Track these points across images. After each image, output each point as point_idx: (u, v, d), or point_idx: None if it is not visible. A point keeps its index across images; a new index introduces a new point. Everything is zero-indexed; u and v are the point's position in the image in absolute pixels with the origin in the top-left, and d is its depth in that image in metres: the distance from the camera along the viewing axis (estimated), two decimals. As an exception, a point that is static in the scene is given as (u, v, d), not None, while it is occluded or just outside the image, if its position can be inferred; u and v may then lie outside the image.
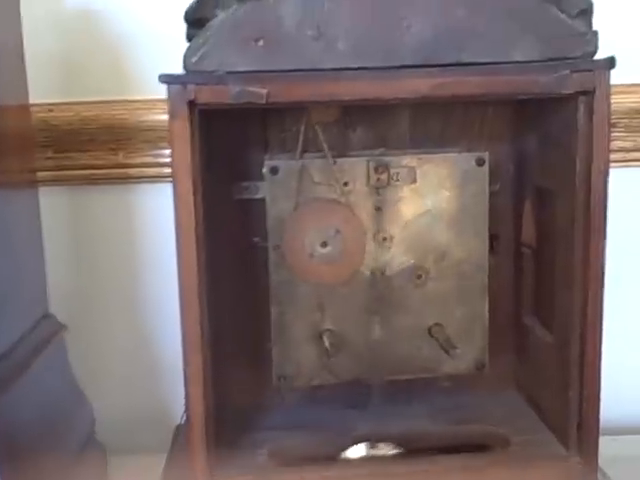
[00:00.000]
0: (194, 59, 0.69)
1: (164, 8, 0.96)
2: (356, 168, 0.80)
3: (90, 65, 1.00)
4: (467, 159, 0.81)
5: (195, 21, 0.71)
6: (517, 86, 0.69)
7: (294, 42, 0.69)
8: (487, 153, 0.81)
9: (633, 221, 1.04)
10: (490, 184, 0.83)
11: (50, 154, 1.00)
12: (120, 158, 1.01)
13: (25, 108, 0.89)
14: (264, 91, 0.69)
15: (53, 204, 1.00)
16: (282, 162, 0.81)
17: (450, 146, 0.84)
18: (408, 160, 0.80)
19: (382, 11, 0.69)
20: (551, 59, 0.69)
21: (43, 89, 0.97)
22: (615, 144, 0.97)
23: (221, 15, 0.70)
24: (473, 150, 0.83)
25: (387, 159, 0.80)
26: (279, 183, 0.80)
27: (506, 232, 0.87)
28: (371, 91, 0.69)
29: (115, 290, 1.03)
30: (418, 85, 0.69)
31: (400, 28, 0.69)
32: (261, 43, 0.69)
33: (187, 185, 0.70)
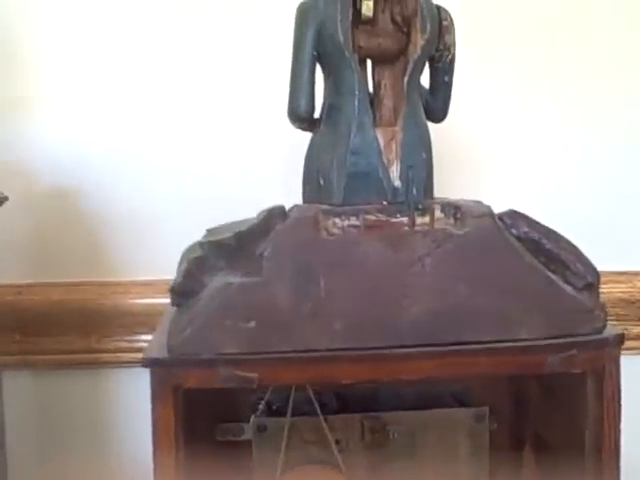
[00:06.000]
0: (179, 341, 0.64)
1: (143, 188, 0.92)
2: (349, 426, 0.75)
3: (63, 245, 0.94)
4: (466, 415, 0.76)
5: (182, 294, 0.67)
6: (523, 366, 0.66)
7: (288, 322, 0.64)
8: (487, 408, 0.77)
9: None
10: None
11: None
12: (92, 342, 0.94)
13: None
14: (254, 375, 0.64)
15: (17, 391, 0.93)
16: (270, 420, 0.75)
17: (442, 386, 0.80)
18: (405, 417, 0.76)
19: (381, 290, 0.65)
20: (558, 336, 0.66)
21: (11, 270, 0.92)
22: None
23: (209, 289, 0.65)
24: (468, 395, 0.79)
25: (383, 417, 0.75)
26: (266, 442, 0.75)
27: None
28: (371, 374, 0.65)
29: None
30: (420, 367, 0.65)
31: (400, 307, 0.65)
32: (252, 324, 0.64)
33: (168, 466, 0.64)
